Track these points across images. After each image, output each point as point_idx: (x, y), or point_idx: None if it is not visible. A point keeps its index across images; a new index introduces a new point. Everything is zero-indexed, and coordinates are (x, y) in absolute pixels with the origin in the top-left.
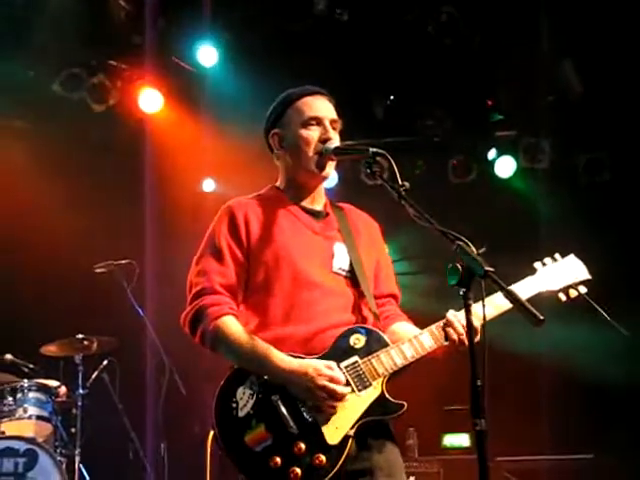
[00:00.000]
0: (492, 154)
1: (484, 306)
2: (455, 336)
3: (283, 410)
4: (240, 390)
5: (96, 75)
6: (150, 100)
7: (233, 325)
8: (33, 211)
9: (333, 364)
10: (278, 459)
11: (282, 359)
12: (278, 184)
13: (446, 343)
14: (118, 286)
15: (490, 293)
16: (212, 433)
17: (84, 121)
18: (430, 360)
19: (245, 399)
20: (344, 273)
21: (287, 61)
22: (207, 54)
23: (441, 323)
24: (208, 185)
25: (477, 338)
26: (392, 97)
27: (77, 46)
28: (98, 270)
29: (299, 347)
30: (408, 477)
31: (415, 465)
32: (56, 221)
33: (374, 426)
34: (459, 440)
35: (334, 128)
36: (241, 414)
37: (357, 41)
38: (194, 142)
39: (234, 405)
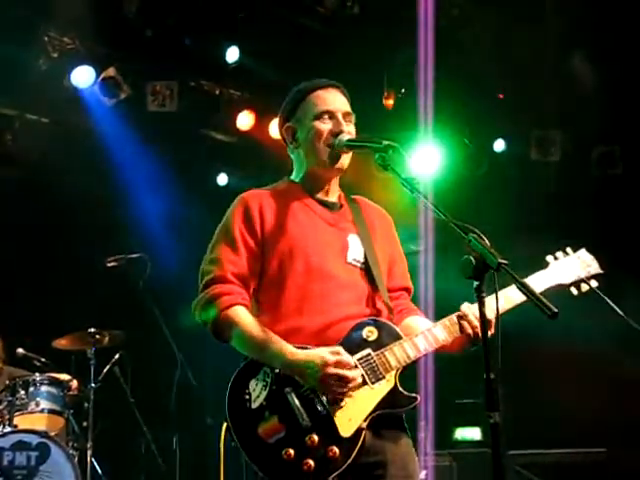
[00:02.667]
0: (500, 146)
1: (497, 299)
2: (470, 329)
3: (296, 402)
4: (253, 382)
5: (107, 69)
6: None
7: (244, 315)
8: (43, 203)
9: (340, 348)
10: (291, 451)
11: (291, 351)
12: (292, 177)
13: (460, 336)
14: (130, 280)
15: (503, 286)
16: (225, 425)
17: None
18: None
19: (258, 391)
20: (358, 265)
21: (302, 56)
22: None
23: (454, 316)
24: (222, 179)
25: (491, 331)
26: (403, 90)
27: (90, 40)
28: (110, 264)
29: (312, 339)
30: (420, 471)
31: (427, 459)
32: (66, 214)
33: (387, 419)
34: (471, 433)
35: (348, 121)
36: (254, 406)
37: (371, 35)
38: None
39: (247, 397)
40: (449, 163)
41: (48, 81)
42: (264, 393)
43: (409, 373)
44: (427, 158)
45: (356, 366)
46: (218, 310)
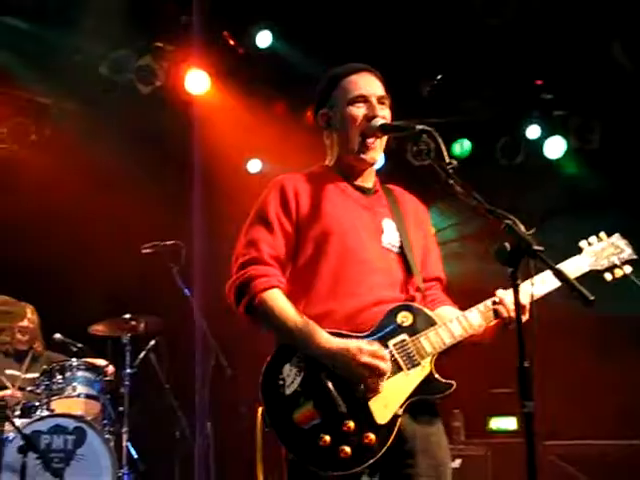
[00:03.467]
0: (534, 132)
1: (533, 285)
2: (505, 314)
3: (331, 388)
4: (287, 367)
5: (143, 57)
6: (197, 81)
7: (280, 299)
8: (80, 191)
9: (376, 344)
10: (327, 438)
11: (325, 338)
12: (327, 162)
13: (495, 322)
14: (165, 267)
15: (536, 272)
16: (260, 410)
17: (131, 103)
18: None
19: (292, 376)
20: (394, 249)
21: (336, 40)
22: (262, 35)
23: (489, 302)
24: (254, 166)
25: (526, 317)
26: (439, 76)
27: (124, 28)
28: (145, 251)
29: (344, 323)
30: (454, 460)
31: (461, 448)
32: (103, 202)
33: (422, 406)
34: (506, 423)
35: (383, 105)
36: (288, 392)
37: (405, 19)
38: (241, 123)
39: (281, 382)
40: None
41: (84, 69)
42: (298, 378)
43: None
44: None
45: (391, 353)
46: (253, 292)
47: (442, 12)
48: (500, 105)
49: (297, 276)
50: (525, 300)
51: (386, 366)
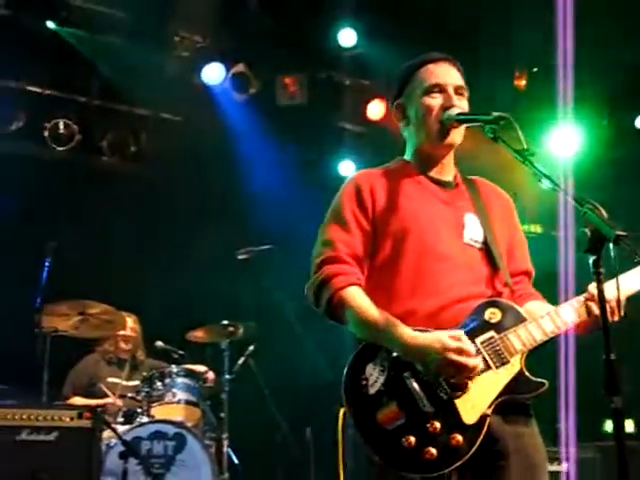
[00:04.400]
0: None
1: (617, 275)
2: (596, 311)
3: (416, 387)
4: (370, 366)
5: (237, 65)
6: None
7: (359, 296)
8: (177, 200)
9: (461, 333)
10: (412, 438)
11: (409, 335)
12: (405, 156)
13: (588, 318)
14: (260, 271)
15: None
16: (342, 411)
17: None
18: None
19: (375, 376)
20: (477, 245)
21: (424, 37)
22: (347, 35)
23: (582, 297)
24: (349, 169)
25: (615, 317)
26: (535, 69)
27: (216, 37)
28: (241, 256)
29: (427, 321)
30: (560, 462)
31: (570, 450)
32: (199, 209)
33: (512, 405)
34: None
35: (460, 95)
36: (372, 391)
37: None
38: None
39: (364, 382)
40: (589, 143)
41: (179, 80)
42: (382, 378)
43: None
44: (565, 139)
45: (478, 351)
46: (332, 291)
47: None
48: None
49: (376, 274)
50: (620, 294)
51: (474, 362)
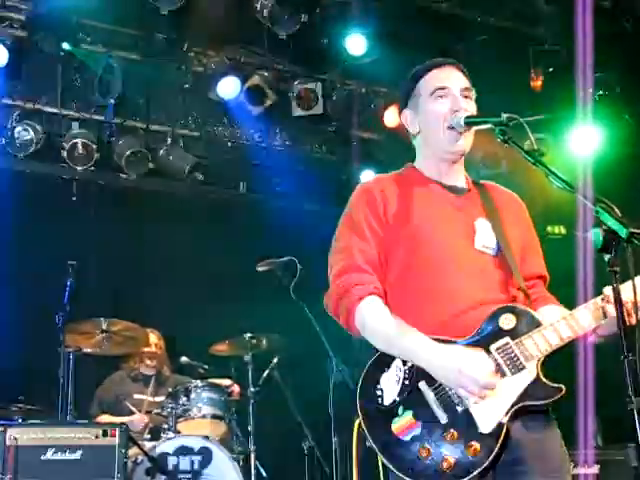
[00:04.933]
0: None
1: (633, 277)
2: (612, 314)
3: (431, 397)
4: (384, 376)
5: (252, 78)
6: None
7: (377, 306)
8: (196, 213)
9: (481, 353)
10: (429, 448)
11: (426, 345)
12: (415, 163)
13: (604, 321)
14: (281, 283)
15: None
16: (357, 422)
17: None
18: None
19: (390, 386)
20: (489, 251)
21: (435, 41)
22: (356, 42)
23: (599, 299)
24: (367, 176)
25: (635, 317)
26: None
27: (230, 51)
28: (261, 268)
29: (440, 330)
30: (583, 465)
31: (599, 453)
32: (218, 221)
33: (530, 412)
34: None
35: (466, 97)
36: (387, 402)
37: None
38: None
39: (379, 392)
40: (609, 142)
41: (194, 95)
42: (397, 388)
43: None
44: (585, 138)
45: (494, 359)
46: (350, 301)
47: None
48: None
49: (389, 280)
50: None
51: (492, 380)
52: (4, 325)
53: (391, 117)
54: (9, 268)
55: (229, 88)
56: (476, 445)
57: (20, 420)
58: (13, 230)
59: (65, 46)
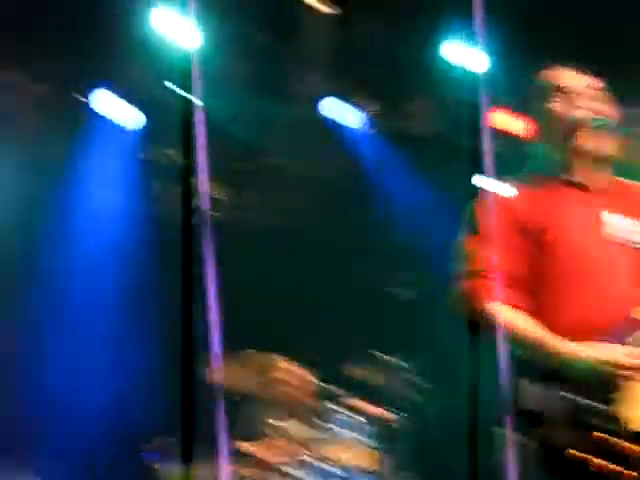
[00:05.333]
0: None
1: None
2: None
3: (579, 401)
4: (522, 381)
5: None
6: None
7: (507, 311)
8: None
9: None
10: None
11: (569, 347)
12: (538, 166)
13: None
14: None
15: None
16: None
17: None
18: None
19: (530, 391)
20: (625, 242)
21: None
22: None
23: None
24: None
25: None
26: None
27: (334, 74)
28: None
29: (581, 329)
30: None
31: None
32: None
33: None
34: None
35: (584, 96)
36: (529, 407)
37: None
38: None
39: (521, 400)
40: None
41: (302, 123)
42: (539, 392)
43: None
44: None
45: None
46: (478, 305)
47: None
48: None
49: (525, 288)
50: None
51: None
52: None
53: (501, 124)
54: None
55: (340, 113)
56: (632, 446)
57: None
58: None
59: None
